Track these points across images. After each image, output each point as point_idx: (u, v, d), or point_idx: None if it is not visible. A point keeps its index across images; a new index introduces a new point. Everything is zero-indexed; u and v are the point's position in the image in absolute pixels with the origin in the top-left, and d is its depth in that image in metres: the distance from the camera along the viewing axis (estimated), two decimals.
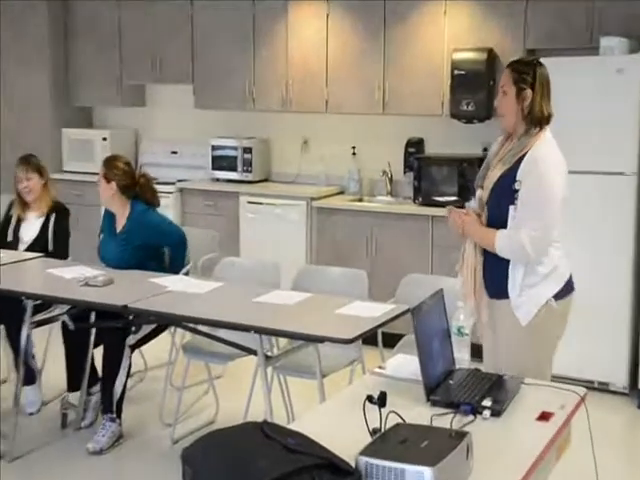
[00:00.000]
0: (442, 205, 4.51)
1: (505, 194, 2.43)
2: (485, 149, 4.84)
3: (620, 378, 4.08)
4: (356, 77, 4.99)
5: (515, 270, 2.45)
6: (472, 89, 4.56)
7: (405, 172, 5.08)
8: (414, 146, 5.07)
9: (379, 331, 3.13)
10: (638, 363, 4.04)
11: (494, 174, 2.49)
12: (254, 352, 3.00)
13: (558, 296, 2.47)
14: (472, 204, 2.57)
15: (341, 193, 5.30)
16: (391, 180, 5.16)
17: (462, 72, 4.58)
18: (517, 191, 2.40)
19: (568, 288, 2.52)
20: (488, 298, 2.53)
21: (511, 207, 2.42)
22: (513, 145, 2.48)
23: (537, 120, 2.46)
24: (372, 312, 2.93)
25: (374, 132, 5.28)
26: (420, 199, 4.78)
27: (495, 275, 2.50)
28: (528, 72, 2.47)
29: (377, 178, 5.22)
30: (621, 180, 3.98)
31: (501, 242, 2.44)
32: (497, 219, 2.47)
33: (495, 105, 2.58)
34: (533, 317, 2.44)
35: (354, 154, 5.34)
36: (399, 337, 3.25)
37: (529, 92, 2.45)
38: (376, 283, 4.05)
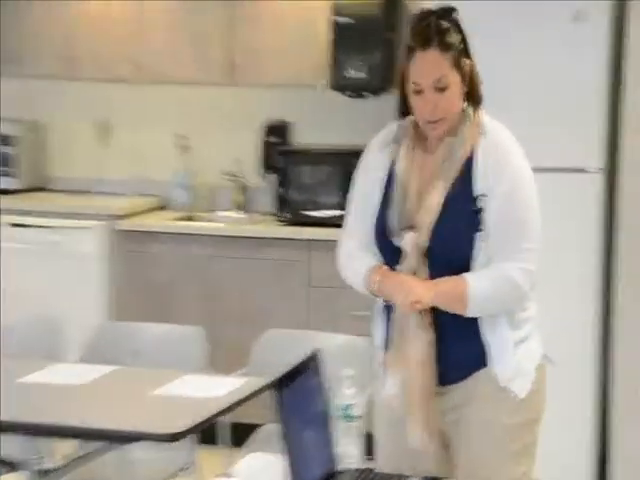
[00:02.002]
0: (321, 223, 4.64)
1: (463, 222, 2.48)
2: None
3: (580, 474, 4.21)
4: (184, 28, 5.05)
5: (496, 324, 2.51)
6: (363, 46, 4.71)
7: (264, 174, 5.17)
8: (276, 134, 5.16)
9: (223, 420, 3.14)
10: (605, 455, 4.23)
11: (432, 201, 2.49)
12: (18, 466, 3.00)
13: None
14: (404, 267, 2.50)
15: (162, 208, 5.33)
16: (243, 187, 5.23)
17: (348, 21, 4.72)
18: (479, 211, 2.46)
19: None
20: (439, 389, 2.54)
21: (477, 235, 2.47)
22: (448, 147, 2.50)
23: (480, 93, 2.53)
24: (212, 391, 2.96)
25: (215, 113, 5.34)
26: (288, 215, 4.87)
27: (466, 344, 2.53)
28: (458, 36, 2.48)
29: (220, 184, 5.27)
30: (583, 179, 4.19)
31: (481, 288, 2.45)
32: (453, 265, 2.48)
33: (425, 110, 2.47)
34: (532, 383, 2.54)
35: (184, 147, 5.37)
36: (254, 428, 3.29)
37: (468, 62, 2.50)
38: (219, 345, 4.04)
